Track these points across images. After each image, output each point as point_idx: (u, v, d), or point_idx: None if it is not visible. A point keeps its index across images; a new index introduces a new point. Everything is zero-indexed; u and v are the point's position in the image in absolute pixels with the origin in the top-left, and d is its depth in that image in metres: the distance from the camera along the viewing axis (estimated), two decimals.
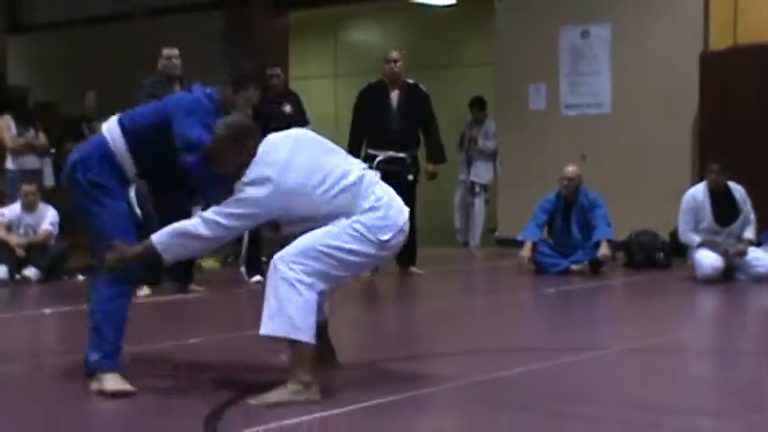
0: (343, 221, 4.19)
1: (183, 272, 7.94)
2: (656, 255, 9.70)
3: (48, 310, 7.26)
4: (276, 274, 4.10)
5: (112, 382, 4.30)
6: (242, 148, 4.22)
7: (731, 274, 8.51)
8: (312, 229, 4.20)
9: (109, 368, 4.33)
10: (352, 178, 4.25)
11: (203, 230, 4.17)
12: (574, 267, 9.18)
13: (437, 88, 14.85)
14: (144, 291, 7.76)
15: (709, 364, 5.34)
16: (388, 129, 8.95)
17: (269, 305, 4.09)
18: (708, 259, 8.45)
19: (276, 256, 4.16)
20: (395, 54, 9.08)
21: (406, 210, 4.39)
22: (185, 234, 4.21)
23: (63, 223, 9.37)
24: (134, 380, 4.39)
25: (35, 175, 10.10)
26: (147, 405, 4.18)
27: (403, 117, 9.03)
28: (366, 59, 14.19)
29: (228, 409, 4.02)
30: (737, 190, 8.67)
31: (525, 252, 9.23)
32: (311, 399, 4.07)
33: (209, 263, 9.89)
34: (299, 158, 4.21)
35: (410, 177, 8.99)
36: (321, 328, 4.42)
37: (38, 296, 8.33)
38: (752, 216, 8.65)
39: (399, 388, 4.34)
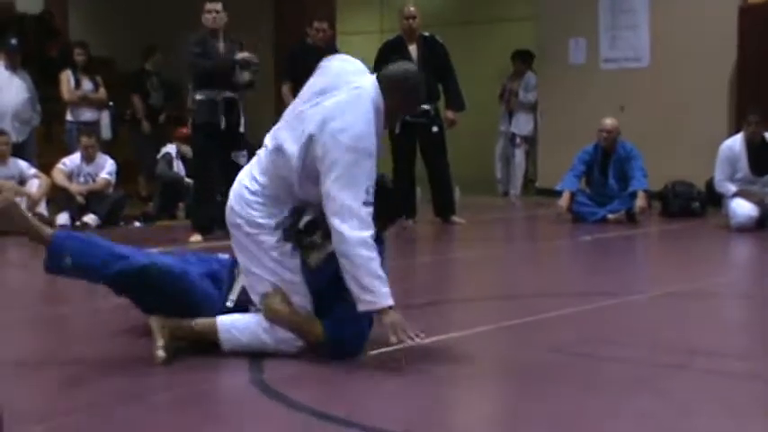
0: None
1: None
2: (692, 204, 9.80)
3: None
4: None
5: None
6: None
7: (765, 222, 8.57)
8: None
9: None
10: None
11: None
12: (610, 216, 9.24)
13: (480, 43, 15.10)
14: (195, 237, 8.02)
15: (739, 309, 5.39)
16: None
17: None
18: (743, 208, 8.54)
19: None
20: (412, 10, 9.10)
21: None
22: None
23: (120, 173, 9.76)
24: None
25: (93, 127, 10.35)
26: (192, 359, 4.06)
27: (423, 70, 9.02)
28: None
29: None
30: None
31: (563, 201, 9.37)
32: None
33: None
34: None
35: (435, 129, 9.14)
36: None
37: None
38: None
39: (437, 330, 4.38)
